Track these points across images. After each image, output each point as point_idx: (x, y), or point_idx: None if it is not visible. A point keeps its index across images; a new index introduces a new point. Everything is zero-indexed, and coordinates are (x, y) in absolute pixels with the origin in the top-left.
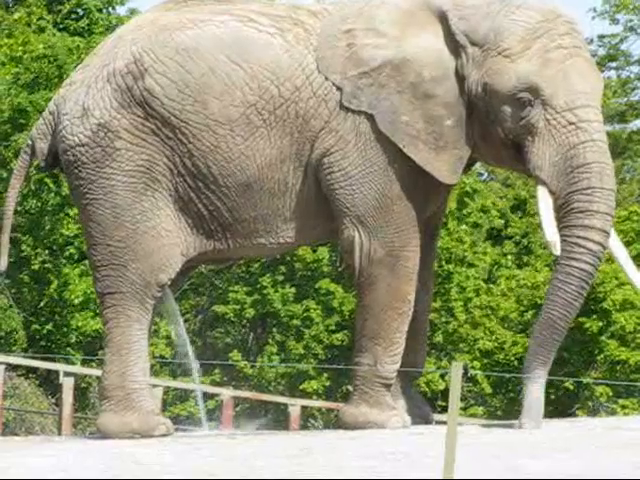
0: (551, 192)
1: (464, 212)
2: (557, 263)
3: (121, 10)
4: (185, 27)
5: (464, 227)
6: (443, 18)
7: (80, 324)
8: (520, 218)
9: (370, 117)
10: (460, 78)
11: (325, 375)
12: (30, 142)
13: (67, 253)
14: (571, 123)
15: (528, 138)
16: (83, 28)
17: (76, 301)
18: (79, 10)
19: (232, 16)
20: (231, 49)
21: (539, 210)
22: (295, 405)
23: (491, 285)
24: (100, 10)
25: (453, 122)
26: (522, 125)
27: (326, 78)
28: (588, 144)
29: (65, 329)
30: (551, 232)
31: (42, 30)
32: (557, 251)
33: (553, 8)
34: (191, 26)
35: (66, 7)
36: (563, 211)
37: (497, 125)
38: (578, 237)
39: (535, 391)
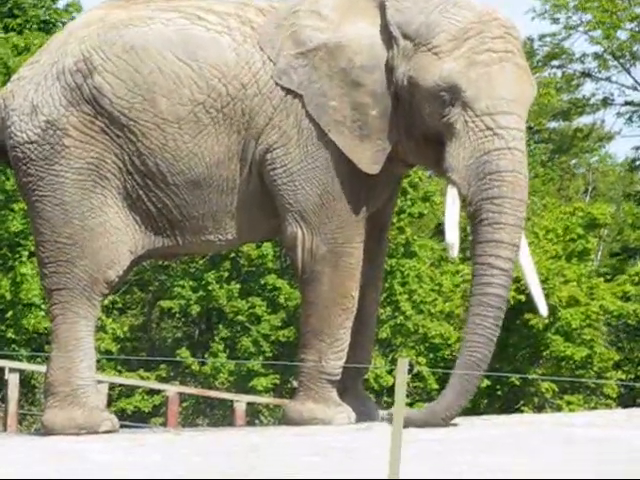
0: (461, 195)
1: (407, 202)
2: (473, 286)
3: (60, 4)
4: (133, 24)
5: (403, 216)
6: (382, 8)
7: (33, 322)
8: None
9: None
10: (389, 69)
11: (272, 371)
12: None
13: (17, 251)
14: (489, 128)
15: (446, 137)
16: (20, 25)
17: (34, 299)
18: (16, 8)
19: (180, 14)
20: (179, 47)
21: (445, 211)
22: (240, 401)
23: (434, 270)
24: (36, 6)
25: (378, 112)
26: (442, 124)
27: (272, 61)
28: (503, 151)
29: (17, 328)
30: (452, 235)
31: None
32: (454, 253)
33: (491, 11)
34: (139, 24)
35: (5, 6)
36: (474, 222)
37: (419, 120)
38: (490, 255)
39: None
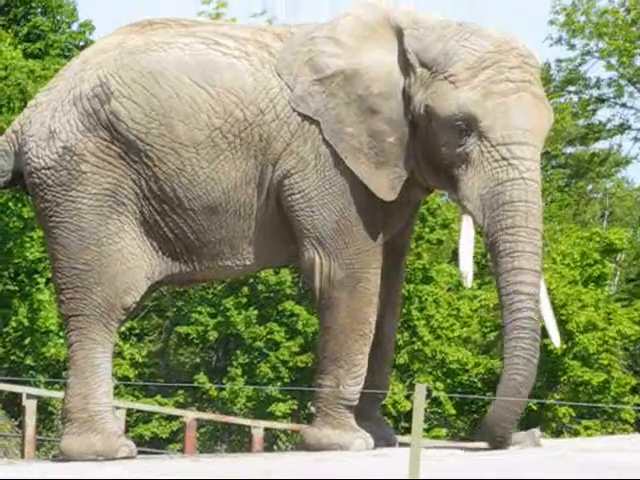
0: (477, 224)
1: (426, 229)
2: (503, 316)
3: (74, 26)
4: (150, 50)
5: (421, 242)
6: (400, 35)
7: (53, 350)
8: None
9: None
10: (406, 97)
11: (290, 397)
12: None
13: (34, 279)
14: (503, 158)
15: (462, 166)
16: (40, 50)
17: (52, 327)
18: (34, 32)
19: (197, 39)
20: (196, 72)
21: (459, 239)
22: (258, 427)
23: (452, 295)
24: (54, 31)
25: (395, 140)
26: (457, 153)
27: (289, 88)
28: (517, 182)
29: (35, 355)
30: (466, 263)
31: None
32: (468, 283)
33: (509, 39)
34: (156, 49)
35: (23, 29)
36: (492, 254)
37: (435, 148)
38: (514, 283)
39: None
